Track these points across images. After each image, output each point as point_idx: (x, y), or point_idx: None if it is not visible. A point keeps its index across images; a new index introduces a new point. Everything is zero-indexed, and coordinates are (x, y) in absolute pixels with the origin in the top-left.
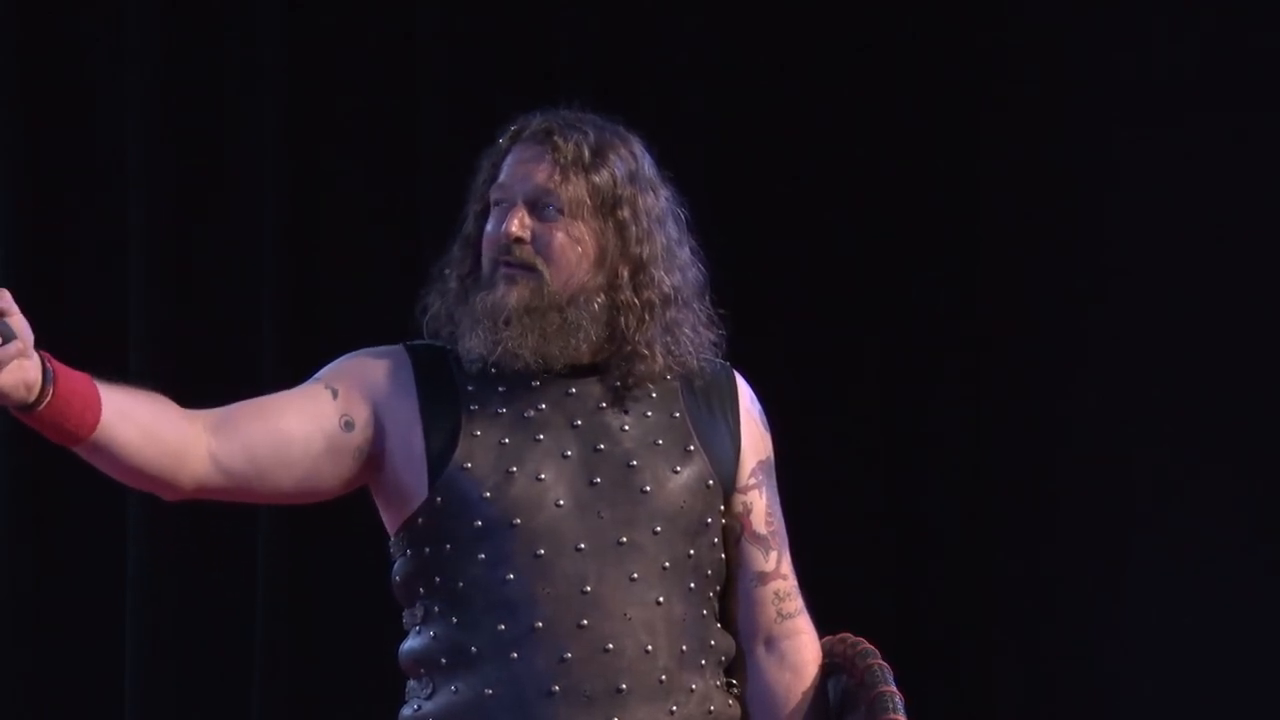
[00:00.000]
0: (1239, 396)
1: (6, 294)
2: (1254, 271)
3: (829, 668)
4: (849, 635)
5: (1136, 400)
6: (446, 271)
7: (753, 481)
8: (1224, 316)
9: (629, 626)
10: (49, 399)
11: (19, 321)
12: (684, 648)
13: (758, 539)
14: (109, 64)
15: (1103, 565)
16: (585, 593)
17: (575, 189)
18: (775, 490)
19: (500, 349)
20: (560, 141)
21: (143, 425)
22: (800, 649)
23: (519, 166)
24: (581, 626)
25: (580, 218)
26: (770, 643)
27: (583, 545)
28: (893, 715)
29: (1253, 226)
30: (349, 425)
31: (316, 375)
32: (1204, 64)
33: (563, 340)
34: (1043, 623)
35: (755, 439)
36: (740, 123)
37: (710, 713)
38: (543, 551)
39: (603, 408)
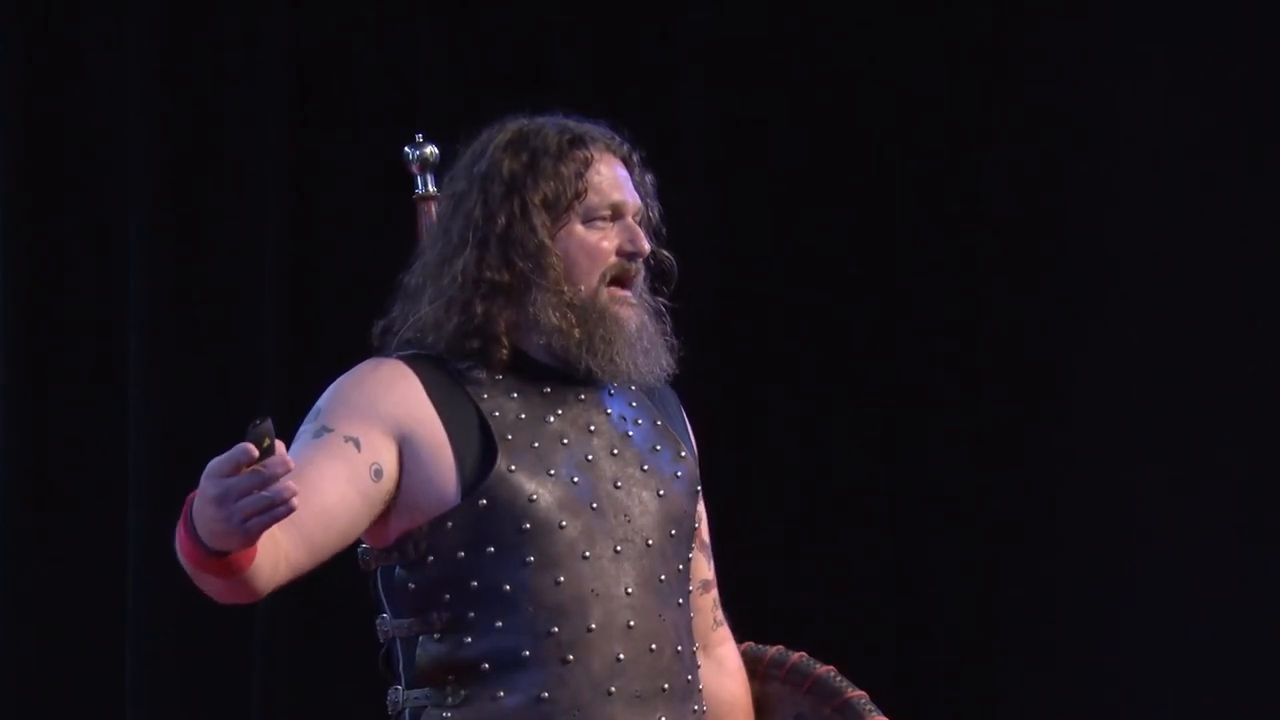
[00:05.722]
0: (1240, 400)
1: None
2: (1254, 275)
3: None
4: (753, 644)
5: (1138, 407)
6: (513, 276)
7: (701, 491)
8: (1224, 320)
9: (664, 627)
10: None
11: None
12: (693, 650)
13: (705, 547)
14: (109, 64)
15: (1107, 575)
16: (629, 594)
17: (652, 205)
18: None
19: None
20: (636, 159)
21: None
22: (732, 654)
23: (622, 183)
24: (630, 627)
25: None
26: (707, 649)
27: (619, 548)
28: (874, 717)
29: (1253, 229)
30: (379, 474)
31: (322, 412)
32: (1205, 64)
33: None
34: (1046, 634)
35: (695, 449)
36: (740, 122)
37: (705, 714)
38: (588, 554)
39: (609, 413)
